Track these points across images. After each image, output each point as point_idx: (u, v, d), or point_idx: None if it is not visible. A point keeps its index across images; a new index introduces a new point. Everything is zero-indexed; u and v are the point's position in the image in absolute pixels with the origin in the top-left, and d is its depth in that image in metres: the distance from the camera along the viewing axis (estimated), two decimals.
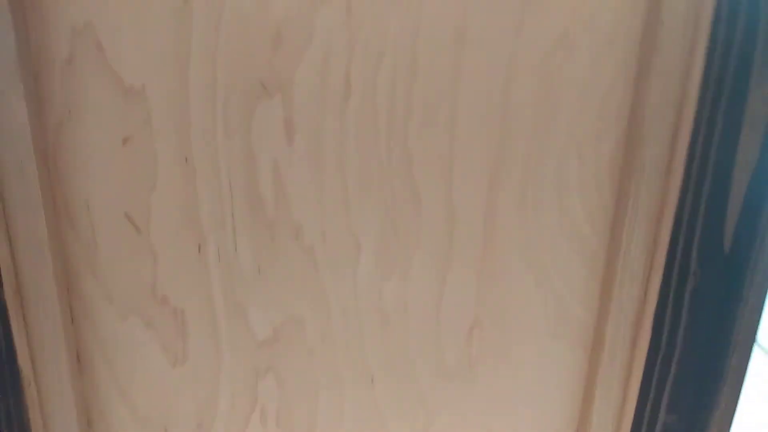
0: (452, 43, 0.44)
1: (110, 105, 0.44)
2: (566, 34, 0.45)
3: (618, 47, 0.46)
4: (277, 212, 0.48)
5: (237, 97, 0.45)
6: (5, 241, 0.44)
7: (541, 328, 0.54)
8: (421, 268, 0.51)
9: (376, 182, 0.48)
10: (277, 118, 0.45)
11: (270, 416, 0.54)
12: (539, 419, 0.57)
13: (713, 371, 0.53)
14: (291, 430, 0.55)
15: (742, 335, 0.52)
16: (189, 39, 0.43)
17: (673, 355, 0.53)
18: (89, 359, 0.51)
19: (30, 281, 0.46)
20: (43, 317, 0.47)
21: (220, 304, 0.50)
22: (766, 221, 0.48)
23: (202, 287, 0.49)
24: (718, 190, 0.47)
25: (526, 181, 0.49)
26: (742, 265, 0.50)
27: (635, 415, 0.55)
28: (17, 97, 0.42)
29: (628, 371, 0.54)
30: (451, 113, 0.46)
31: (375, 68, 0.45)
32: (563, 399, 0.57)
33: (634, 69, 0.46)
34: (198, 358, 0.52)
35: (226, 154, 0.46)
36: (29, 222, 0.44)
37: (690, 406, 0.55)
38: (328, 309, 0.51)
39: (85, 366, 0.51)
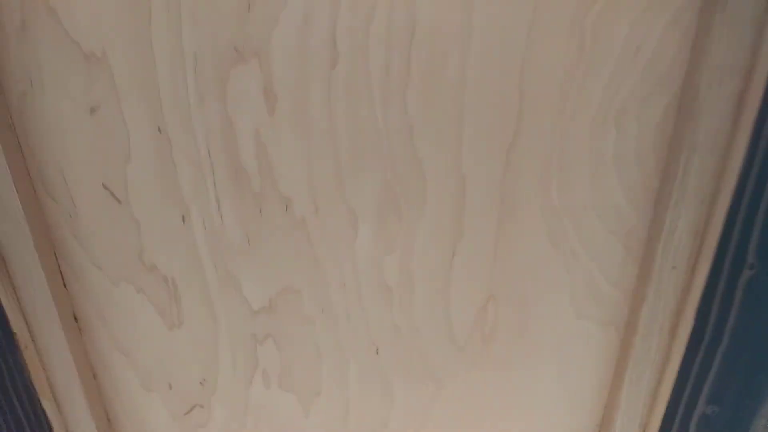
0: None
1: (72, 73, 0.40)
2: None
3: None
4: (263, 184, 0.43)
5: (208, 63, 0.39)
6: None
7: (566, 306, 0.48)
8: (427, 240, 0.46)
9: (372, 152, 0.42)
10: (255, 86, 0.39)
11: (273, 378, 0.53)
12: (561, 400, 0.53)
13: (763, 365, 0.47)
14: (295, 392, 0.53)
15: None
16: (148, 1, 0.37)
17: (718, 346, 0.46)
18: (86, 321, 0.50)
19: (12, 251, 0.44)
20: (29, 284, 0.46)
21: (212, 273, 0.47)
22: None
23: (190, 257, 0.46)
24: None
25: (551, 149, 0.42)
26: None
27: (669, 403, 0.49)
28: None
29: (665, 358, 0.48)
30: (459, 74, 0.39)
31: (365, 25, 0.37)
32: (589, 382, 0.52)
33: (693, 26, 0.37)
34: (194, 322, 0.50)
35: (201, 123, 0.41)
36: (1, 192, 0.42)
37: (734, 398, 0.49)
38: (326, 281, 0.47)
39: (84, 327, 0.50)
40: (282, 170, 0.43)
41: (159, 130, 0.41)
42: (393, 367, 0.52)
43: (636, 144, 0.41)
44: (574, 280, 0.47)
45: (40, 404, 0.51)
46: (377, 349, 0.51)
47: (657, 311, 0.46)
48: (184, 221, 0.45)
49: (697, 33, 0.36)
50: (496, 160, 0.42)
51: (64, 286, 0.48)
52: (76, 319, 0.50)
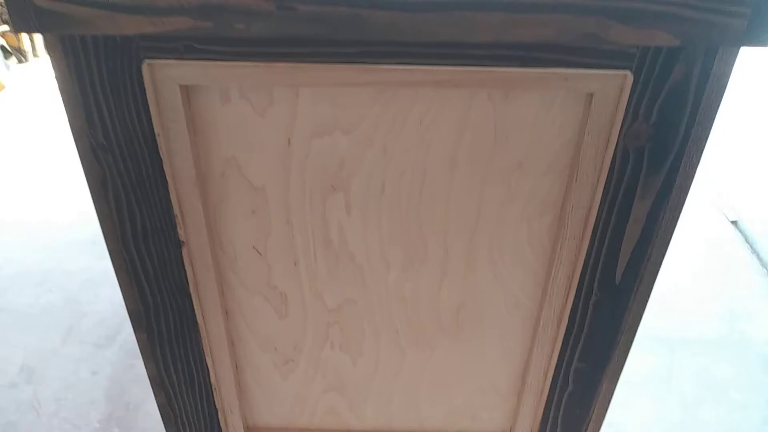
0: (447, 167, 0.73)
1: (245, 196, 0.76)
2: (521, 164, 0.73)
3: (553, 170, 0.73)
4: (339, 248, 0.81)
5: (317, 193, 0.76)
6: (189, 268, 0.80)
7: (502, 310, 0.87)
8: (428, 277, 0.84)
9: (399, 234, 0.79)
10: (341, 204, 0.77)
11: (336, 346, 0.92)
12: (499, 362, 0.93)
13: (608, 341, 0.86)
14: (348, 354, 0.92)
15: (625, 329, 0.84)
16: (290, 162, 0.73)
17: (582, 332, 0.86)
18: (233, 316, 0.88)
19: (201, 277, 0.82)
20: (206, 296, 0.84)
21: (307, 291, 0.85)
22: (643, 267, 0.78)
23: (296, 283, 0.84)
24: (613, 248, 0.77)
25: (493, 236, 0.79)
26: (628, 293, 0.80)
27: (557, 363, 0.89)
28: (195, 196, 0.74)
29: (554, 340, 0.88)
30: (446, 199, 0.76)
31: (400, 179, 0.74)
32: (515, 352, 0.92)
33: (565, 180, 0.74)
34: (294, 315, 0.88)
35: (311, 220, 0.78)
36: (203, 255, 0.79)
37: (593, 359, 0.89)
38: (370, 297, 0.86)
39: (231, 319, 0.89)
40: (351, 241, 0.80)
41: (287, 221, 0.78)
42: (406, 340, 0.91)
43: (538, 234, 0.79)
44: (506, 297, 0.86)
45: (206, 360, 0.89)
46: (397, 330, 0.90)
47: (550, 314, 0.85)
48: (296, 265, 0.83)
49: (567, 184, 0.74)
50: (464, 241, 0.80)
51: (222, 294, 0.86)
52: (227, 313, 0.88)
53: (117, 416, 1.41)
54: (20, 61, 3.49)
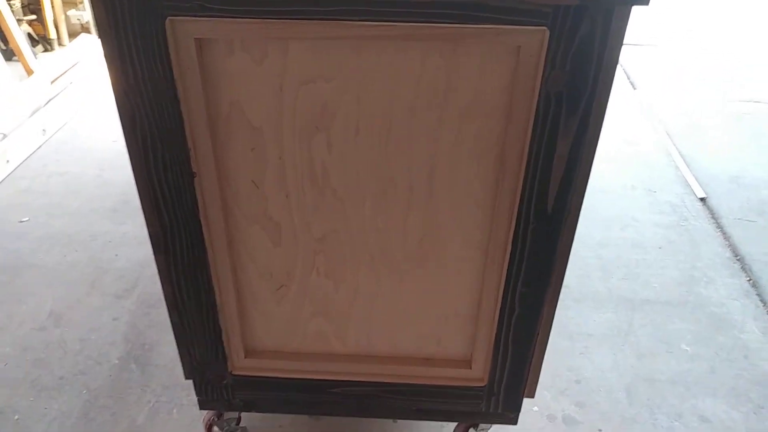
0: (408, 113, 0.89)
1: (246, 135, 0.93)
2: (468, 110, 0.89)
3: (493, 114, 0.89)
4: (323, 183, 0.97)
5: (305, 133, 0.92)
6: (200, 195, 0.96)
7: (459, 244, 1.03)
8: (396, 211, 1.00)
9: (373, 170, 0.95)
10: (324, 143, 0.93)
11: (321, 272, 1.08)
12: (458, 291, 1.08)
13: (546, 266, 1.02)
14: (332, 279, 1.09)
15: (560, 253, 1.00)
16: (282, 106, 0.90)
17: (523, 259, 1.01)
18: (235, 244, 1.05)
19: (209, 204, 0.99)
20: (213, 223, 1.00)
21: (297, 221, 1.01)
22: (570, 197, 0.94)
23: (288, 214, 1.00)
24: (544, 180, 0.93)
25: (448, 173, 0.95)
26: (558, 219, 0.96)
27: (504, 289, 1.05)
28: (206, 134, 0.91)
29: (501, 267, 1.03)
30: (408, 140, 0.92)
31: (371, 122, 0.91)
32: (470, 281, 1.07)
33: (503, 122, 0.90)
34: (286, 244, 1.04)
35: (299, 157, 0.94)
36: (211, 185, 0.96)
37: (534, 283, 1.04)
38: (350, 228, 1.01)
39: (233, 247, 1.05)
40: (333, 176, 0.96)
41: (280, 158, 0.95)
42: (382, 268, 1.07)
43: (485, 173, 0.95)
44: (462, 229, 1.02)
45: (212, 283, 1.06)
46: (373, 257, 1.06)
47: (497, 244, 1.01)
48: (287, 197, 0.99)
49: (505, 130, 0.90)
50: (424, 177, 0.96)
51: (226, 225, 1.03)
52: (230, 242, 1.05)
53: (134, 354, 1.58)
54: (46, 50, 3.67)
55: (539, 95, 0.84)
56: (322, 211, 1.00)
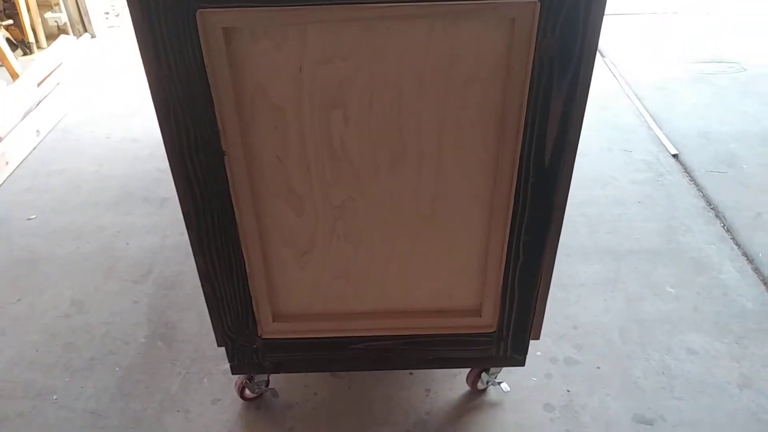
0: (417, 84, 0.98)
1: (269, 114, 1.01)
2: (471, 78, 0.98)
3: (493, 81, 0.99)
4: (341, 154, 1.06)
5: (324, 109, 1.00)
6: (229, 173, 1.05)
7: (467, 202, 1.13)
8: (409, 176, 1.09)
9: (385, 139, 1.05)
10: (341, 118, 1.02)
11: (341, 237, 1.17)
12: (467, 245, 1.19)
13: (545, 216, 1.13)
14: (351, 243, 1.18)
15: (557, 206, 1.10)
16: (302, 86, 0.98)
17: (525, 210, 1.12)
18: (261, 216, 1.13)
19: (238, 181, 1.07)
20: (242, 197, 1.09)
21: (317, 191, 1.10)
22: (564, 152, 1.04)
23: (308, 186, 1.09)
24: (541, 137, 1.03)
25: (455, 138, 1.05)
26: (555, 172, 1.07)
27: (509, 239, 1.16)
28: (233, 115, 0.99)
29: (505, 219, 1.14)
30: (418, 109, 1.02)
31: (383, 94, 1.00)
32: (478, 234, 1.17)
33: (503, 88, 1.00)
34: (308, 213, 1.13)
35: (318, 132, 1.03)
36: (239, 163, 1.05)
37: (535, 232, 1.15)
38: (366, 194, 1.11)
39: (260, 219, 1.14)
40: (350, 148, 1.05)
41: (302, 136, 1.04)
42: (396, 230, 1.17)
43: (487, 137, 1.05)
44: (469, 189, 1.12)
45: (242, 253, 1.15)
46: (387, 221, 1.16)
47: (501, 198, 1.11)
48: (308, 170, 1.08)
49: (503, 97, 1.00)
50: (434, 143, 1.05)
51: (252, 198, 1.11)
52: (257, 214, 1.14)
53: (159, 333, 1.66)
54: (25, 53, 3.68)
55: (533, 60, 0.93)
56: (340, 180, 1.09)
